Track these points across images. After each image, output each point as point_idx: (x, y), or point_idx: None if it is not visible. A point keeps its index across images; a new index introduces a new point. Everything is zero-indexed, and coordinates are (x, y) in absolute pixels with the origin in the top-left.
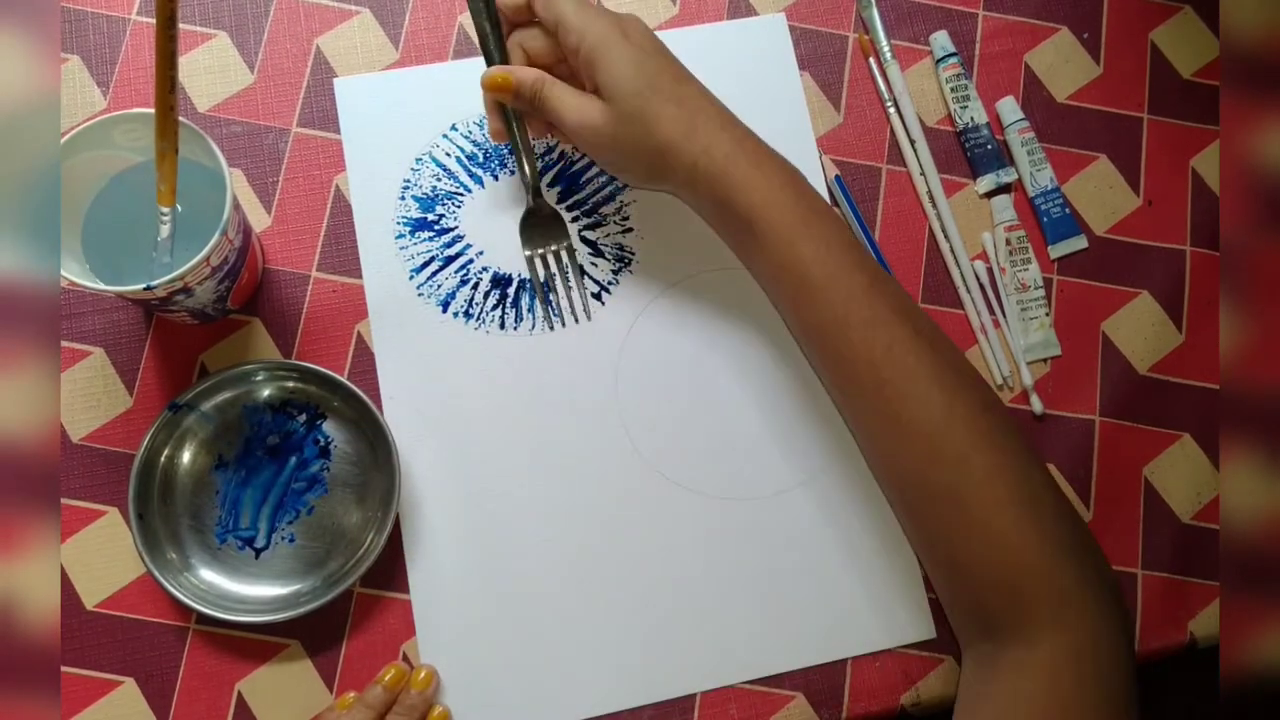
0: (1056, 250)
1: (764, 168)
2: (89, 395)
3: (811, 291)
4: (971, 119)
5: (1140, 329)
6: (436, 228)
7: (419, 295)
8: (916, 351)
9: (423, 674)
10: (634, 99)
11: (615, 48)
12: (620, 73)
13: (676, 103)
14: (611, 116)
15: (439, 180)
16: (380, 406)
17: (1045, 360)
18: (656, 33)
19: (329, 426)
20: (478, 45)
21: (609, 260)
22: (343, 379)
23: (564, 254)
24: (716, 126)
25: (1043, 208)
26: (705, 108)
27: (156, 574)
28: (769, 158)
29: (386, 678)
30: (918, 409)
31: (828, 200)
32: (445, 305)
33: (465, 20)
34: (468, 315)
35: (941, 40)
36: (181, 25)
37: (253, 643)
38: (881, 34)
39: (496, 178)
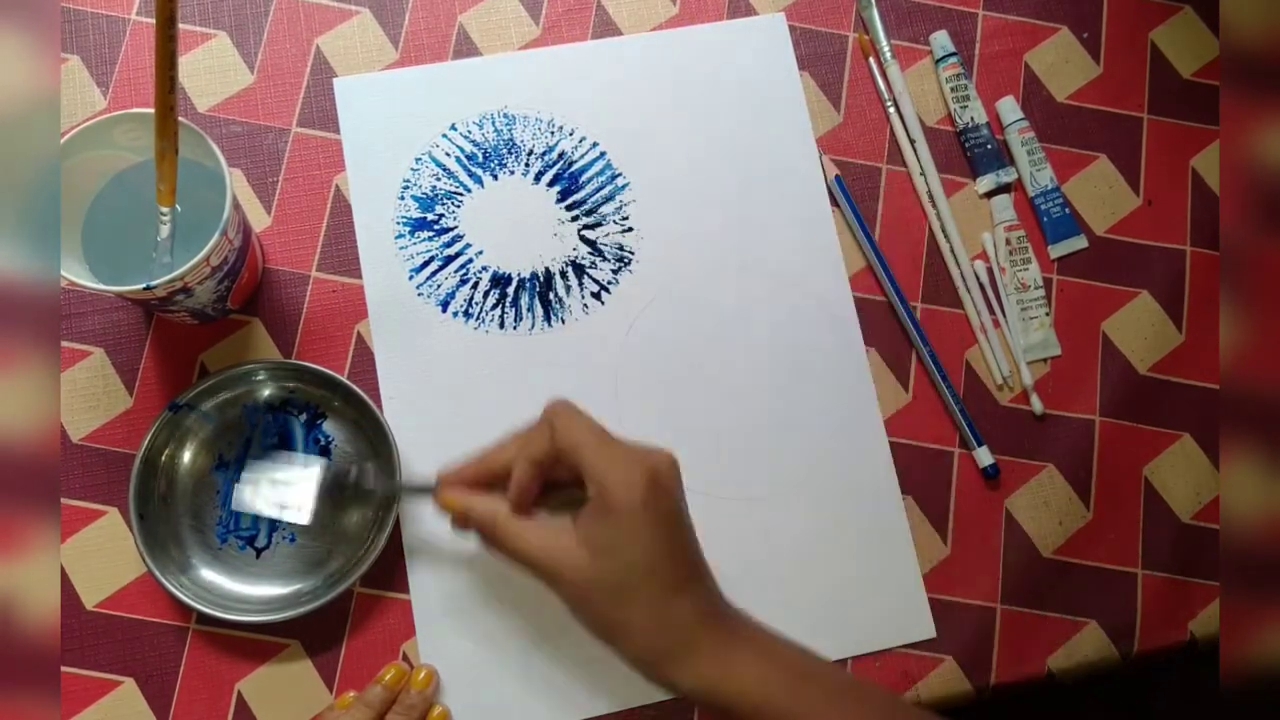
0: (1056, 250)
1: (734, 652)
2: (89, 395)
3: None
4: (971, 119)
5: (1140, 329)
6: (436, 227)
7: (419, 295)
8: None
9: (423, 674)
10: (622, 566)
11: (630, 516)
12: (618, 538)
13: (661, 588)
14: (588, 568)
15: (438, 180)
16: (380, 406)
17: (1045, 360)
18: (656, 32)
19: (329, 426)
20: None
21: (609, 260)
22: (343, 379)
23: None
24: (689, 616)
25: (1043, 207)
26: (688, 595)
27: (158, 574)
28: (735, 637)
29: (386, 677)
30: None
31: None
32: (445, 305)
33: (465, 20)
34: (467, 315)
35: (941, 40)
36: (181, 25)
37: (253, 643)
38: (881, 34)
39: (496, 178)
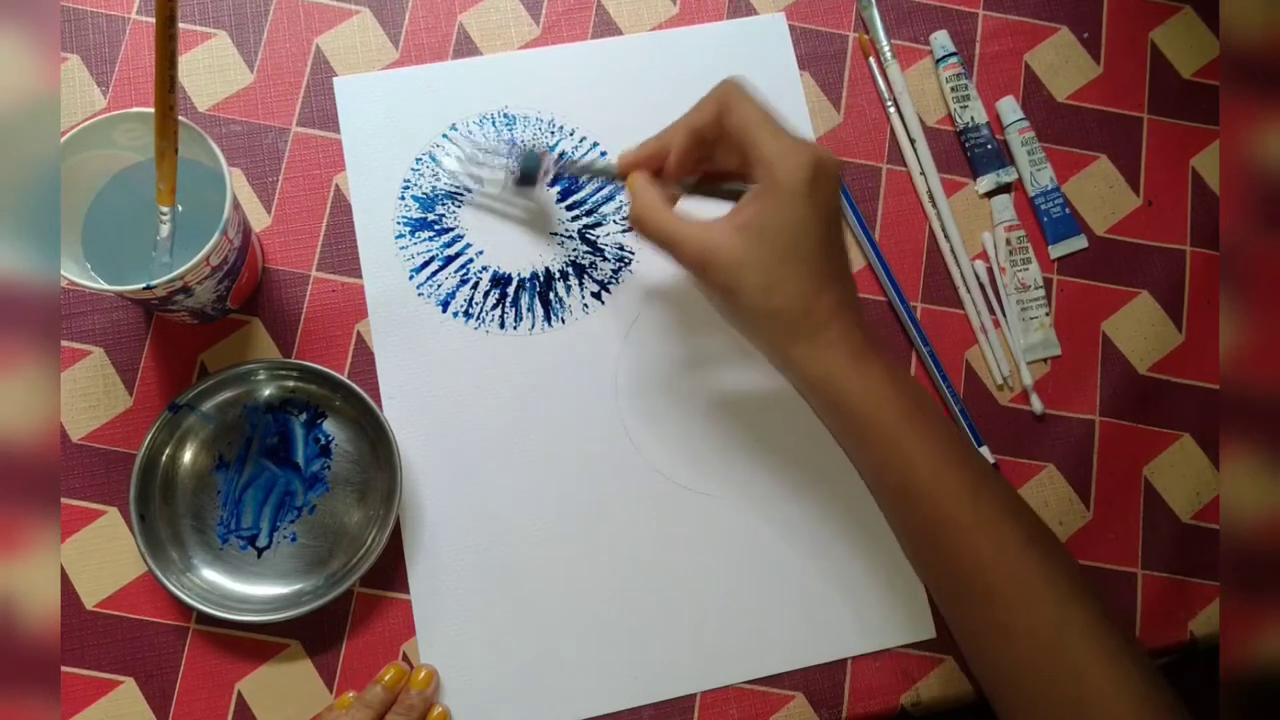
0: (1056, 250)
1: (868, 361)
2: (89, 395)
3: (916, 492)
4: (971, 119)
5: (1140, 329)
6: (436, 227)
7: (419, 295)
8: (1027, 557)
9: (423, 674)
10: (778, 250)
11: (793, 197)
12: (779, 219)
13: (811, 276)
14: (740, 250)
15: (439, 180)
16: (380, 406)
17: (1045, 360)
18: (656, 32)
19: (330, 425)
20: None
21: (609, 260)
22: (343, 378)
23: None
24: (831, 309)
25: (1043, 207)
26: (835, 290)
27: (160, 575)
28: (873, 349)
29: (386, 678)
30: (1029, 618)
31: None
32: (445, 305)
33: (465, 20)
34: (467, 315)
35: (941, 40)
36: (181, 25)
37: (253, 643)
38: (881, 33)
39: None
